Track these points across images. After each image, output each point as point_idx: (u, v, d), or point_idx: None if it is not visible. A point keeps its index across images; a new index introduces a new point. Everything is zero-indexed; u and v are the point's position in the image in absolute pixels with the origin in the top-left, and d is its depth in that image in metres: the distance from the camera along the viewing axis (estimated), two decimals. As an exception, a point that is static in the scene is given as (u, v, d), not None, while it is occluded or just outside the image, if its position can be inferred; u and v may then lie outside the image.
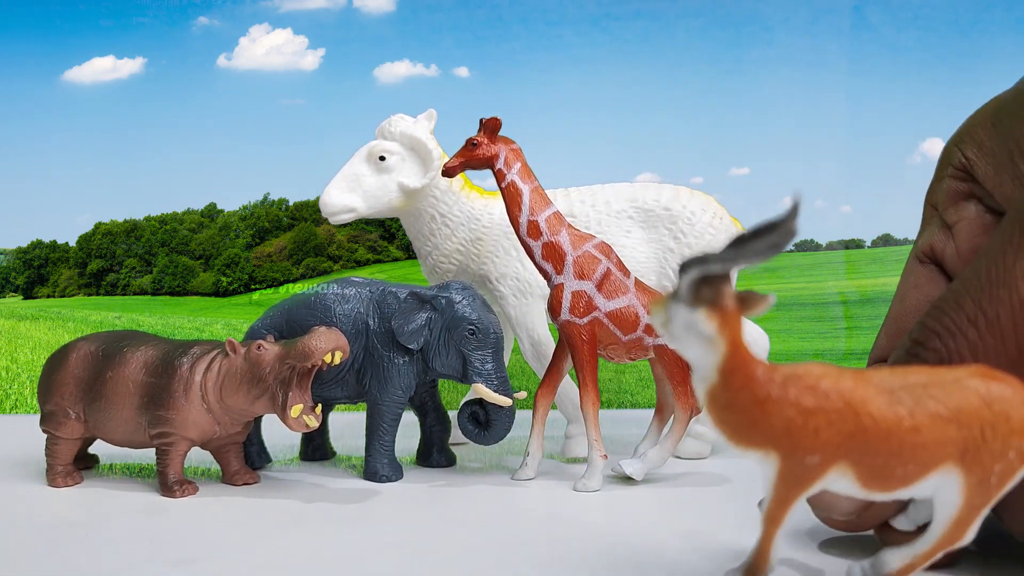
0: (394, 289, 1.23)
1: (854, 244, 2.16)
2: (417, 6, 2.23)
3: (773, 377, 0.63)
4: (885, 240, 2.14)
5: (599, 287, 1.15)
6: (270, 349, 1.07)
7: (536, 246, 1.16)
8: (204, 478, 1.22)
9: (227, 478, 1.17)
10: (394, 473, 1.20)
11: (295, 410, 1.05)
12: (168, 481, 1.11)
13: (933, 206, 0.89)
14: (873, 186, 2.10)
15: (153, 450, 1.14)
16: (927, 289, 0.86)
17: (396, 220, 1.42)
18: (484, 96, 2.20)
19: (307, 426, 1.06)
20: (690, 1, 2.13)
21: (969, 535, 0.67)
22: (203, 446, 1.16)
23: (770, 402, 0.62)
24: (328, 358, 1.05)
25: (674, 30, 2.13)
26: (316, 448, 1.35)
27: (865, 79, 2.08)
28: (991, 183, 0.81)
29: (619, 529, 0.95)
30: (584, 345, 1.15)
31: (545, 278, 1.18)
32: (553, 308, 1.16)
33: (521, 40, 2.19)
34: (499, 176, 1.18)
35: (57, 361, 1.19)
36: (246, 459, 1.23)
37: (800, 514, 0.77)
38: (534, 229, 1.16)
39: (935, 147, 1.99)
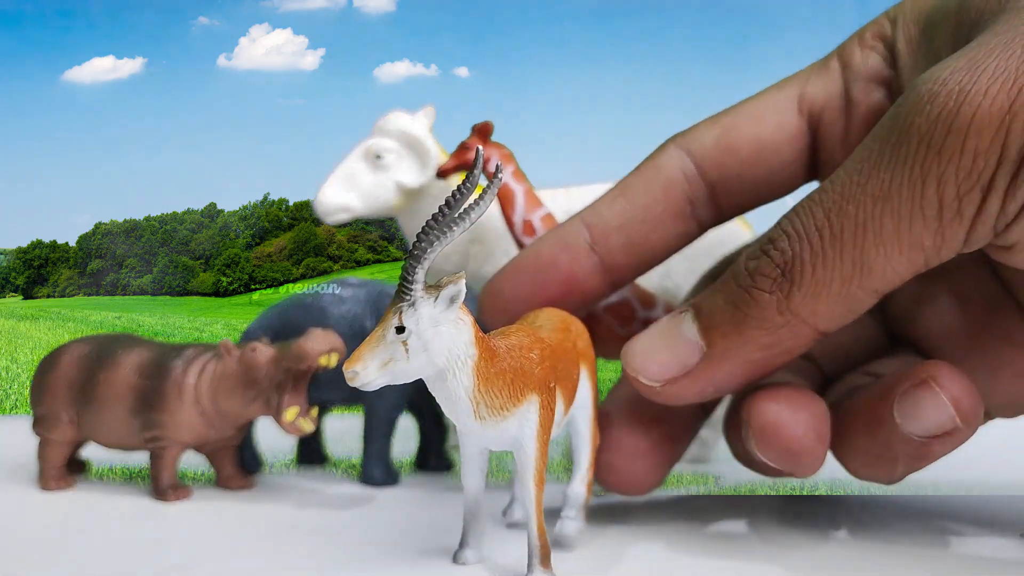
0: (391, 290, 1.22)
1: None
2: (417, 6, 2.23)
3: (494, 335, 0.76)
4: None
5: None
6: (264, 352, 1.06)
7: None
8: (198, 482, 1.20)
9: (221, 482, 1.16)
10: (390, 477, 1.18)
11: (290, 413, 1.04)
12: (161, 485, 1.09)
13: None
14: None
15: (146, 454, 1.12)
16: None
17: (396, 220, 1.41)
18: (484, 96, 2.20)
19: (302, 430, 1.05)
20: (691, 0, 2.12)
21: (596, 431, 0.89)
22: (197, 450, 1.14)
23: (513, 351, 0.74)
24: (324, 360, 1.04)
25: (675, 29, 2.12)
26: (312, 452, 1.34)
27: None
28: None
29: (619, 531, 0.94)
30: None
31: None
32: None
33: (521, 40, 2.18)
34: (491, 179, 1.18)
35: (49, 363, 1.17)
36: (240, 463, 1.21)
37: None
38: (529, 228, 1.20)
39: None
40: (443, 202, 0.67)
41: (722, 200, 0.93)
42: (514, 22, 2.19)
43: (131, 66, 2.36)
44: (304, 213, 2.68)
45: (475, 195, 0.70)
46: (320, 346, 1.03)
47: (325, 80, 2.31)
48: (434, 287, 0.67)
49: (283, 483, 1.21)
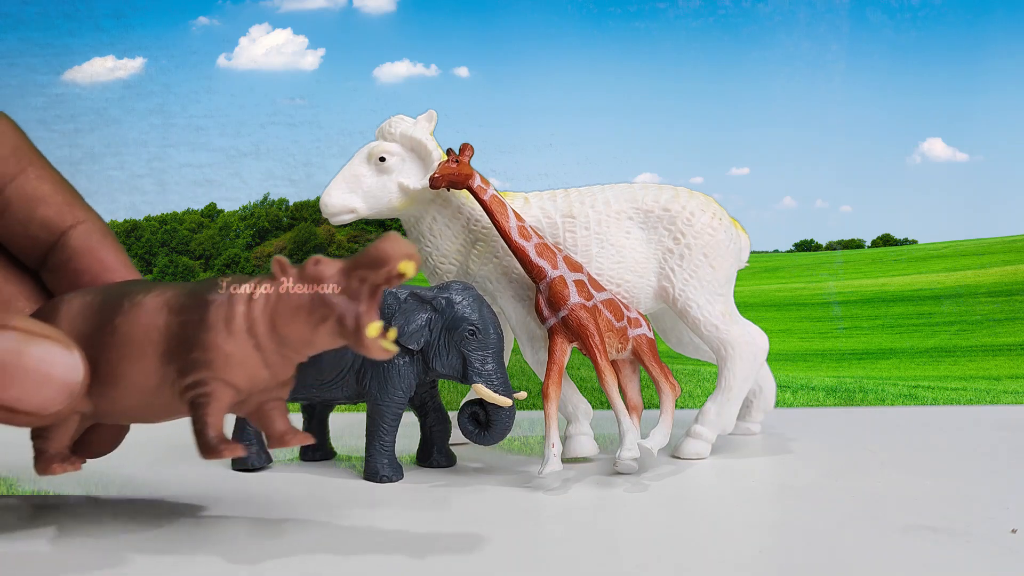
0: (394, 289, 1.23)
1: (854, 244, 2.16)
2: (417, 6, 2.24)
3: None
4: (885, 240, 2.14)
5: (588, 280, 1.27)
6: (331, 263, 0.85)
7: (529, 246, 1.25)
8: (203, 476, 1.21)
9: (274, 441, 0.91)
10: (394, 473, 1.20)
11: (372, 329, 0.81)
12: (209, 440, 0.84)
13: None
14: (873, 186, 2.11)
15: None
16: None
17: (396, 220, 1.42)
18: (484, 96, 2.21)
19: (385, 350, 0.83)
20: (690, 2, 2.14)
21: None
22: (240, 410, 0.91)
23: None
24: (403, 267, 0.81)
25: (674, 31, 2.14)
26: (316, 448, 1.35)
27: (865, 79, 2.08)
28: None
29: (619, 529, 0.95)
30: (592, 325, 1.22)
31: (540, 276, 1.25)
32: (559, 298, 1.23)
33: (521, 40, 2.19)
34: (479, 192, 1.26)
35: (43, 319, 0.91)
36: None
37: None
38: (524, 232, 1.26)
39: (935, 147, 1.99)
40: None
41: None
42: (514, 22, 2.21)
43: (131, 66, 2.36)
44: (304, 213, 2.68)
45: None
46: (401, 248, 0.81)
47: (325, 80, 2.32)
48: None
49: (288, 478, 1.22)
